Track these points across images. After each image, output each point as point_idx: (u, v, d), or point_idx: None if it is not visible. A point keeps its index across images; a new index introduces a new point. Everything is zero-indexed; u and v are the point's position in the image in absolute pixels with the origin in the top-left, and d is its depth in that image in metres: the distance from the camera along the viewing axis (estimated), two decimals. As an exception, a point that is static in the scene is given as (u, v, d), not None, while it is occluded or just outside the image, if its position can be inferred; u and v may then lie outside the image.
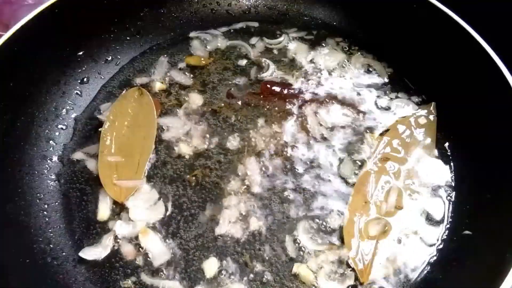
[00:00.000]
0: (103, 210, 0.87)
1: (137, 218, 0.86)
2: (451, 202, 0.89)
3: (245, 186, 0.89)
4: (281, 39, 1.16)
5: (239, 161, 0.93)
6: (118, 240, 0.83)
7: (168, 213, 0.86)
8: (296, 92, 1.04)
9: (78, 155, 0.95)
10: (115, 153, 0.92)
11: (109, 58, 1.10)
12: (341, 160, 0.94)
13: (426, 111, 1.00)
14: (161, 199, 0.88)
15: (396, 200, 0.88)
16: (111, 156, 0.92)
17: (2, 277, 0.72)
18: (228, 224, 0.85)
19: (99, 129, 0.96)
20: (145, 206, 0.87)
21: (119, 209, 0.87)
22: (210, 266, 0.80)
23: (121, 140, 0.94)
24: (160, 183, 0.90)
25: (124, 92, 1.03)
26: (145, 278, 0.79)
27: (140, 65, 1.11)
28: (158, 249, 0.82)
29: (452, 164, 0.94)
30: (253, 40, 1.16)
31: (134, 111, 0.98)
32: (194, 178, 0.91)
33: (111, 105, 1.01)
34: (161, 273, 0.80)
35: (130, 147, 0.93)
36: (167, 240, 0.83)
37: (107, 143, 0.93)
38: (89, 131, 0.98)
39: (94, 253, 0.82)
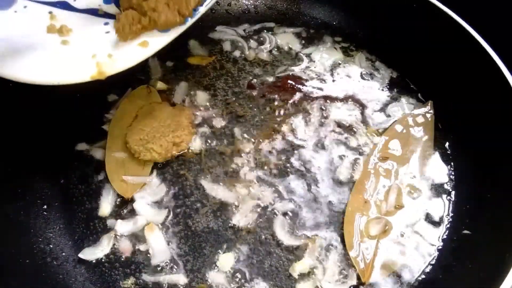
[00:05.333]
0: (105, 206, 0.87)
1: (142, 212, 0.86)
2: (451, 202, 0.89)
3: (244, 185, 0.90)
4: (267, 44, 1.16)
5: (241, 158, 0.94)
6: (118, 239, 0.83)
7: (171, 211, 0.87)
8: (308, 89, 1.06)
9: (82, 146, 0.95)
10: (122, 150, 0.92)
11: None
12: (340, 159, 0.94)
13: (424, 109, 1.01)
14: (167, 196, 0.89)
15: (396, 199, 0.88)
16: (118, 152, 0.92)
17: (2, 277, 0.72)
18: (229, 223, 0.85)
19: (102, 127, 0.97)
20: (152, 200, 0.88)
21: (121, 206, 0.87)
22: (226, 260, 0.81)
23: None
24: (166, 180, 0.91)
25: (130, 89, 1.03)
26: (146, 277, 0.79)
27: (140, 64, 1.10)
28: (160, 247, 0.82)
29: (452, 163, 0.94)
30: (252, 43, 1.16)
31: None
32: (197, 175, 0.92)
33: (118, 103, 1.01)
34: (163, 269, 0.80)
35: None
36: (169, 239, 0.83)
37: (114, 140, 0.94)
38: (90, 129, 0.98)
39: (94, 253, 0.82)
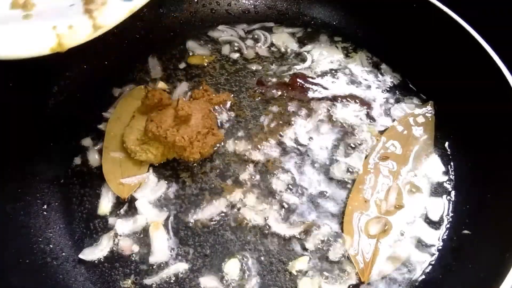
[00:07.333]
0: (104, 205, 0.88)
1: (143, 211, 0.86)
2: (451, 202, 0.89)
3: (242, 184, 0.90)
4: (262, 41, 1.16)
5: (241, 159, 0.94)
6: (118, 238, 0.84)
7: (171, 211, 0.87)
8: (315, 88, 1.06)
9: (86, 142, 0.96)
10: (119, 149, 0.92)
11: (110, 58, 1.09)
12: (341, 158, 0.94)
13: (424, 109, 1.01)
14: (167, 195, 0.89)
15: (396, 199, 0.88)
16: (115, 152, 0.92)
17: (2, 277, 0.72)
18: (228, 222, 0.86)
19: (99, 126, 0.97)
20: (152, 199, 0.88)
21: (120, 205, 0.88)
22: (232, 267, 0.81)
23: None
24: (166, 179, 0.91)
25: (129, 90, 1.04)
26: (146, 276, 0.80)
27: (140, 65, 1.11)
28: (161, 246, 0.82)
29: (452, 164, 0.94)
30: (249, 41, 1.16)
31: None
32: (197, 175, 0.92)
33: (116, 103, 1.01)
34: (162, 268, 0.81)
35: None
36: (169, 238, 0.84)
37: (111, 139, 0.94)
38: (90, 129, 0.98)
39: (94, 253, 0.82)
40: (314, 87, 1.06)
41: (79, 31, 0.70)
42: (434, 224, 0.86)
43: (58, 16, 0.71)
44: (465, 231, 0.83)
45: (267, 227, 0.85)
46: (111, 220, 0.86)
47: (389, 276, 0.80)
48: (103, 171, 0.90)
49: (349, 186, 0.90)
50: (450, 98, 0.98)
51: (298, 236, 0.83)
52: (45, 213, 0.86)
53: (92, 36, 0.70)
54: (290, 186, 0.90)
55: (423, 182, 0.91)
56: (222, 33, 1.17)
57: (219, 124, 0.99)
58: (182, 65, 1.10)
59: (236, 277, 0.79)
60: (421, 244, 0.84)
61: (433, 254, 0.83)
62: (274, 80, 1.07)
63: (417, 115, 1.00)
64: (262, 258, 0.81)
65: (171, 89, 1.05)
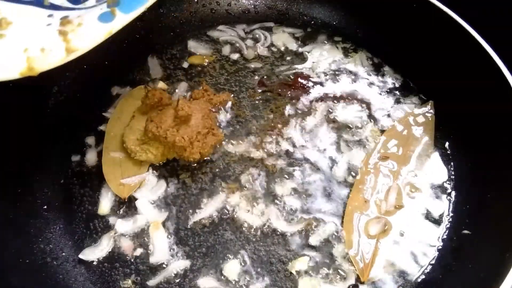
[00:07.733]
0: (104, 205, 0.88)
1: (143, 210, 0.86)
2: (451, 202, 0.89)
3: (243, 185, 0.90)
4: (262, 41, 1.16)
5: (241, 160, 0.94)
6: (118, 238, 0.84)
7: (171, 211, 0.87)
8: (317, 88, 1.06)
9: (86, 142, 0.96)
10: (119, 149, 0.92)
11: (110, 58, 1.09)
12: (341, 158, 0.94)
13: (424, 109, 1.01)
14: (167, 195, 0.89)
15: (396, 199, 0.88)
16: (115, 152, 0.92)
17: (2, 277, 0.72)
18: (227, 223, 0.86)
19: (99, 127, 0.97)
20: (152, 199, 0.88)
21: (120, 205, 0.88)
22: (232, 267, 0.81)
23: None
24: (165, 179, 0.91)
25: (129, 90, 1.04)
26: (146, 276, 0.80)
27: (140, 65, 1.11)
28: (161, 246, 0.83)
29: (452, 164, 0.94)
30: (249, 41, 1.16)
31: None
32: (197, 175, 0.92)
33: (116, 103, 1.01)
34: (162, 268, 0.81)
35: None
36: (169, 238, 0.84)
37: (111, 139, 0.94)
38: (90, 129, 0.98)
39: (94, 253, 0.82)
40: (315, 87, 1.06)
41: (51, 55, 0.67)
42: (434, 224, 0.86)
43: (31, 37, 0.69)
44: (465, 231, 0.83)
45: (267, 227, 0.85)
46: (111, 220, 0.86)
47: (388, 276, 0.80)
48: (103, 171, 0.90)
49: (349, 186, 0.90)
50: (450, 98, 0.98)
51: (298, 236, 0.84)
52: (45, 213, 0.86)
53: (66, 60, 0.68)
54: (290, 186, 0.90)
55: (423, 182, 0.91)
56: (222, 33, 1.17)
57: (219, 124, 0.99)
58: (182, 65, 1.10)
59: (235, 277, 0.79)
60: (421, 244, 0.84)
61: (433, 254, 0.83)
62: (274, 80, 1.07)
63: (417, 114, 1.00)
64: (262, 258, 0.82)
65: (171, 89, 1.05)
